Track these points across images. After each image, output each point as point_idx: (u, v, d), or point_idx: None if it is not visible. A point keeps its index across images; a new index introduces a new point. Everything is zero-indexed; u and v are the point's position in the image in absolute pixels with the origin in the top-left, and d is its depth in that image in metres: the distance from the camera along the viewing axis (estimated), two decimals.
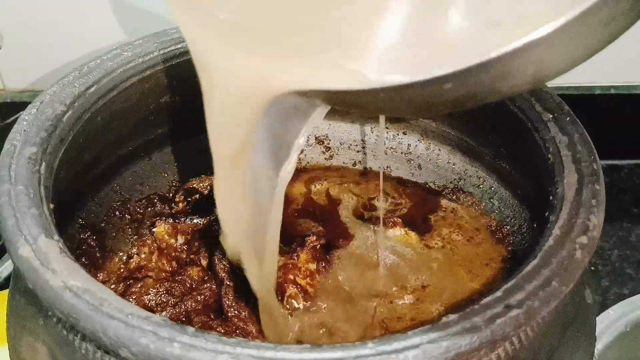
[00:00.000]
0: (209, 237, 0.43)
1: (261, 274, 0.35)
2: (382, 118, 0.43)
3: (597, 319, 0.40)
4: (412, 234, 0.44)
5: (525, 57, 0.22)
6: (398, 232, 0.44)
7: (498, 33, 0.22)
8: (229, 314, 0.38)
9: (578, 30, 0.22)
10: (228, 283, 0.40)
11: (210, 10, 0.28)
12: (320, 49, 0.26)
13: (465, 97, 0.25)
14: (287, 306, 0.39)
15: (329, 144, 0.51)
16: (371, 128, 0.50)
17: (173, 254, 0.44)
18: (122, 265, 0.43)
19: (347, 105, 0.32)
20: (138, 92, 0.42)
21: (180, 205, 0.46)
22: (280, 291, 0.40)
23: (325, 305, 0.40)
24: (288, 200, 0.47)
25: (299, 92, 0.27)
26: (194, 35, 0.29)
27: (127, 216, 0.45)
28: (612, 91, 0.64)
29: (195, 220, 0.46)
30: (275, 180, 0.32)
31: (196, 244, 0.43)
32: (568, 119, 0.37)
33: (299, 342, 0.37)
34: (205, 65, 0.29)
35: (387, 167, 0.50)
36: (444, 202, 0.47)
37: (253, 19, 0.28)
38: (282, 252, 0.41)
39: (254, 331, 0.38)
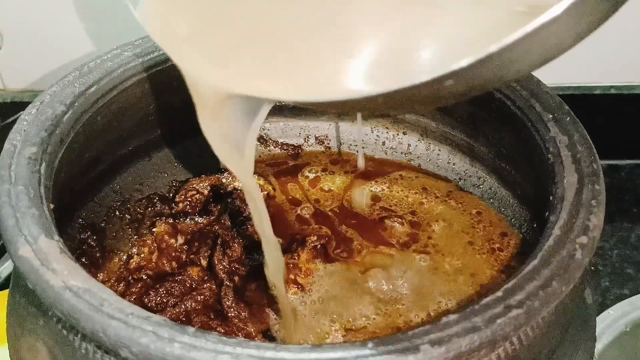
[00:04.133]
0: (209, 237, 0.43)
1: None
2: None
3: (597, 319, 0.40)
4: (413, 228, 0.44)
5: (531, 42, 0.22)
6: (398, 227, 0.44)
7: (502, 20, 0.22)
8: (229, 314, 0.39)
9: (586, 5, 0.22)
10: (228, 283, 0.40)
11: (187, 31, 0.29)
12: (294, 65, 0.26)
13: (468, 90, 0.24)
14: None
15: (329, 144, 0.51)
16: (371, 128, 0.50)
17: (173, 254, 0.44)
18: (122, 265, 0.43)
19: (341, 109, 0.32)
20: (138, 92, 0.42)
21: (180, 205, 0.46)
22: None
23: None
24: (288, 200, 0.47)
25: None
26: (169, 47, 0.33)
27: (127, 216, 0.45)
28: (612, 91, 0.64)
29: (195, 220, 0.46)
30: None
31: (196, 244, 0.43)
32: (568, 119, 0.37)
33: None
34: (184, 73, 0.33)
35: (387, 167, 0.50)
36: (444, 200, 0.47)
37: (242, 40, 0.28)
38: (283, 252, 0.41)
39: (253, 331, 0.38)
